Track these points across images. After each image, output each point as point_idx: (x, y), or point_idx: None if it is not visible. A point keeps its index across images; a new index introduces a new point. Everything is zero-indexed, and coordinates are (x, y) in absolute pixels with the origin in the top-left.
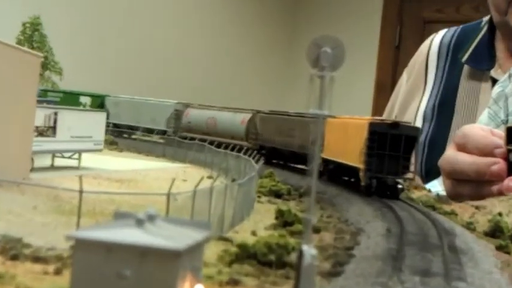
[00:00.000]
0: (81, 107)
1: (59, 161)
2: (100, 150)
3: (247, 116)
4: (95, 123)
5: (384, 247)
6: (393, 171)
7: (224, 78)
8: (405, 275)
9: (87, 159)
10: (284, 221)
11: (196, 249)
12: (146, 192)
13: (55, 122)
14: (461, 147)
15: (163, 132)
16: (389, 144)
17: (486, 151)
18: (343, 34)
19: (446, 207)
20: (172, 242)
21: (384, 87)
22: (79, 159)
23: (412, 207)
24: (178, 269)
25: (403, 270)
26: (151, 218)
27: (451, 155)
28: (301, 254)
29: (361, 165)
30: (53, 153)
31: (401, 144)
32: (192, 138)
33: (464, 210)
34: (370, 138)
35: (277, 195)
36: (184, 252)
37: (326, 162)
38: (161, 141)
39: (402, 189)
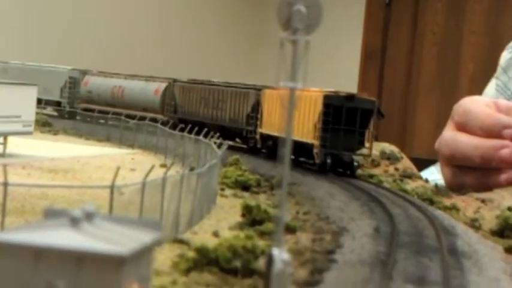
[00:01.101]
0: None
1: None
2: (30, 133)
3: (162, 85)
4: (24, 100)
5: (371, 250)
6: (349, 147)
7: (179, 43)
8: (396, 284)
9: (15, 144)
10: (252, 219)
11: (144, 254)
12: (86, 185)
13: None
14: (462, 127)
15: (58, 104)
16: (345, 118)
17: (492, 132)
18: None
19: (446, 201)
20: (114, 246)
21: (373, 54)
22: (4, 144)
23: (406, 201)
24: (122, 278)
25: (394, 278)
26: (89, 216)
27: (450, 136)
28: (270, 260)
29: (315, 141)
30: None
31: (357, 118)
32: (91, 110)
33: (467, 204)
34: (325, 112)
35: (245, 187)
36: (129, 258)
37: (265, 137)
38: (55, 114)
39: (358, 166)
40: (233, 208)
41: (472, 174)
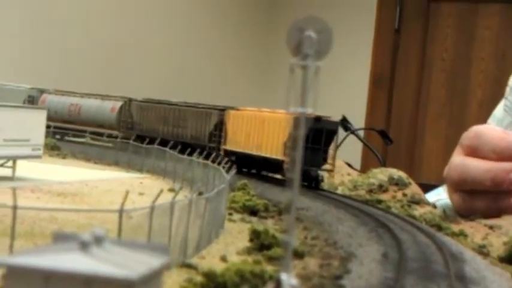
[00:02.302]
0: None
1: None
2: (39, 157)
3: (117, 104)
4: (33, 124)
5: (379, 276)
6: (315, 163)
7: (191, 70)
8: None
9: (24, 168)
10: (260, 243)
11: (152, 278)
12: (94, 209)
13: None
14: (472, 151)
15: None
16: (312, 137)
17: (505, 155)
18: (332, 15)
19: (455, 227)
20: (123, 270)
21: (382, 79)
22: (13, 167)
23: (414, 227)
24: None
25: None
26: (98, 240)
27: (459, 161)
28: (278, 285)
29: (285, 158)
30: None
31: (323, 138)
32: (48, 126)
33: (475, 230)
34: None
35: (253, 212)
36: (138, 282)
37: (229, 153)
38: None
39: (322, 180)
40: (241, 233)
41: (483, 199)
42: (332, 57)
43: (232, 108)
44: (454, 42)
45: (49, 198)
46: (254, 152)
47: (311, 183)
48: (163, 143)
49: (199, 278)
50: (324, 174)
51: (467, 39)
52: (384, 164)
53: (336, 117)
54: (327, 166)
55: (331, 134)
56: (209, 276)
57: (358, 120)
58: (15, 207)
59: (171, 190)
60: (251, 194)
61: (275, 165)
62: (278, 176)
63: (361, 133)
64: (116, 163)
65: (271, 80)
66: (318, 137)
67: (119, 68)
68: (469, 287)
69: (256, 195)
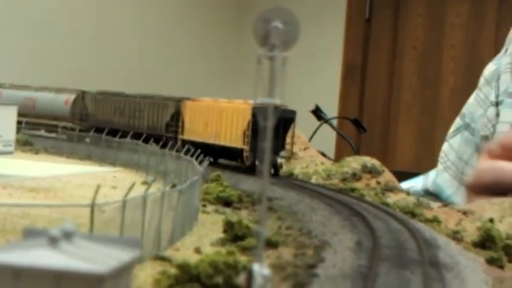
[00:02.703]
0: None
1: None
2: (11, 153)
3: (71, 97)
4: (4, 120)
5: (353, 264)
6: (274, 151)
7: (158, 61)
8: None
9: None
10: (234, 234)
11: (123, 272)
12: (66, 204)
13: None
14: (508, 153)
15: None
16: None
17: None
18: (300, 5)
19: (428, 214)
20: (92, 265)
21: (354, 68)
22: None
23: (388, 215)
24: None
25: None
26: (67, 235)
27: (489, 164)
28: (250, 276)
29: (245, 146)
30: None
31: (280, 126)
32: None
33: (449, 216)
34: (254, 121)
35: (226, 203)
36: (108, 276)
37: (187, 143)
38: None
39: (281, 166)
40: (215, 224)
41: None
42: (304, 48)
43: (189, 99)
44: (425, 31)
45: (21, 194)
46: (212, 141)
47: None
48: (117, 133)
49: (173, 270)
50: (283, 161)
51: (438, 26)
52: (357, 152)
53: (291, 108)
54: (284, 153)
55: (288, 122)
56: (183, 268)
57: (331, 110)
58: None
59: (144, 183)
60: (225, 185)
61: (234, 154)
62: (236, 164)
63: (335, 122)
64: (88, 157)
65: (241, 71)
66: (277, 125)
67: (79, 60)
68: (442, 273)
69: (229, 186)
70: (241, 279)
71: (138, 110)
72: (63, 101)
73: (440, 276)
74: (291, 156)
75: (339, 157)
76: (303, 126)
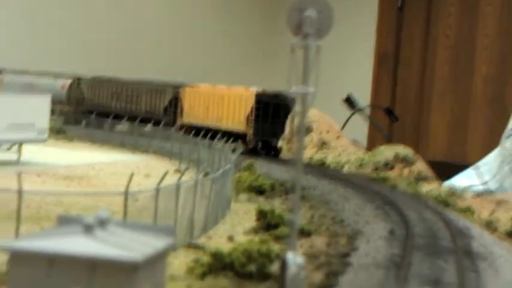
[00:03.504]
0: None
1: None
2: (44, 141)
3: (67, 82)
4: (38, 108)
5: (386, 253)
6: (275, 134)
7: (193, 51)
8: (412, 287)
9: (29, 152)
10: (267, 223)
11: (157, 260)
12: (100, 191)
13: None
14: None
15: None
16: (272, 111)
17: None
18: None
19: (461, 203)
20: (127, 252)
21: (386, 57)
22: (19, 151)
23: (421, 204)
24: (136, 284)
25: (409, 280)
26: (102, 222)
27: None
28: (284, 264)
29: (248, 130)
30: None
31: (281, 112)
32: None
33: (482, 206)
34: (257, 107)
35: (259, 192)
36: (142, 263)
37: (186, 126)
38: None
39: (280, 150)
40: (248, 213)
41: None
42: (336, 37)
43: (188, 85)
44: (457, 19)
45: (55, 182)
46: (214, 125)
47: (270, 152)
48: (115, 117)
49: (206, 258)
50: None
51: (471, 15)
52: (390, 141)
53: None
54: (283, 137)
55: (288, 108)
56: (216, 256)
57: (364, 99)
58: (20, 192)
59: (177, 171)
60: (257, 174)
61: (236, 136)
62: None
63: (367, 111)
64: (121, 145)
65: (273, 62)
66: (277, 111)
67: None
68: (476, 263)
69: (262, 175)
70: (275, 267)
71: (136, 95)
72: (60, 86)
73: (474, 266)
74: (291, 140)
75: (371, 146)
76: (336, 116)
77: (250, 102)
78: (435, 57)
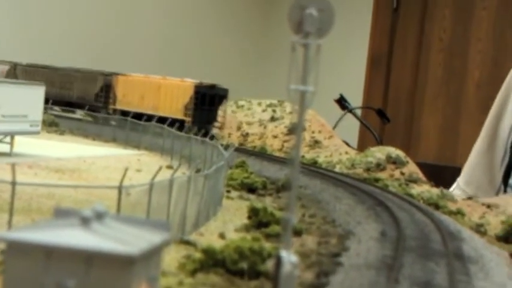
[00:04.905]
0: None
1: None
2: (37, 133)
3: (5, 68)
4: (31, 100)
5: (377, 254)
6: (209, 121)
7: (190, 48)
8: None
9: (22, 144)
10: (258, 221)
11: (153, 254)
12: (93, 185)
13: None
14: None
15: None
16: (208, 101)
17: None
18: None
19: (452, 206)
20: (124, 246)
21: (380, 58)
22: (11, 143)
23: (412, 205)
24: (132, 278)
25: (400, 281)
26: (99, 216)
27: None
28: (279, 262)
29: (186, 118)
30: None
31: (215, 101)
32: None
33: (473, 209)
34: (196, 96)
35: (251, 189)
36: (139, 258)
37: (119, 112)
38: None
39: (214, 136)
40: (239, 210)
41: None
42: (330, 37)
43: (120, 74)
44: (452, 22)
45: (47, 174)
46: (150, 112)
47: (205, 136)
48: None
49: (197, 255)
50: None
51: (465, 19)
52: (380, 142)
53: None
54: (217, 124)
55: (221, 98)
56: (208, 253)
57: (356, 99)
58: (13, 183)
59: (169, 167)
60: (249, 171)
61: (173, 123)
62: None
63: (359, 112)
64: (113, 140)
65: (271, 60)
66: (212, 100)
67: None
68: (467, 266)
69: (254, 172)
70: (267, 265)
71: (69, 81)
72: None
73: (465, 269)
74: (223, 127)
75: (362, 147)
76: (327, 115)
77: (189, 92)
78: (428, 59)
